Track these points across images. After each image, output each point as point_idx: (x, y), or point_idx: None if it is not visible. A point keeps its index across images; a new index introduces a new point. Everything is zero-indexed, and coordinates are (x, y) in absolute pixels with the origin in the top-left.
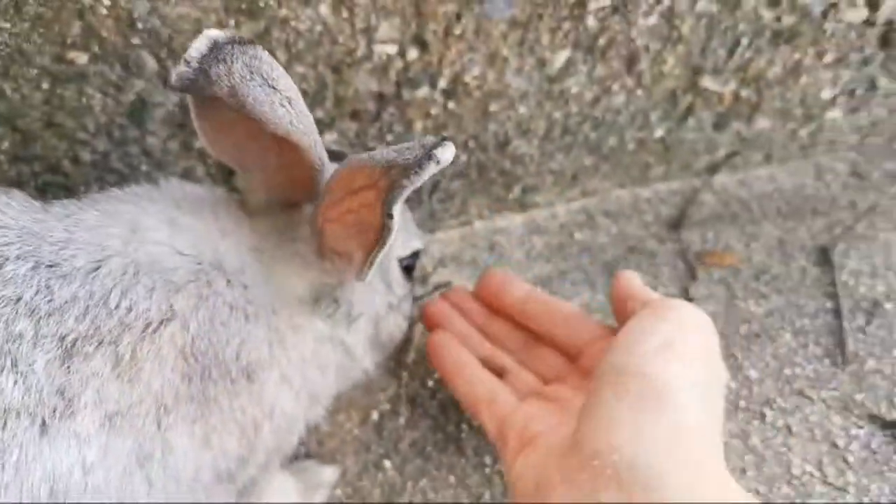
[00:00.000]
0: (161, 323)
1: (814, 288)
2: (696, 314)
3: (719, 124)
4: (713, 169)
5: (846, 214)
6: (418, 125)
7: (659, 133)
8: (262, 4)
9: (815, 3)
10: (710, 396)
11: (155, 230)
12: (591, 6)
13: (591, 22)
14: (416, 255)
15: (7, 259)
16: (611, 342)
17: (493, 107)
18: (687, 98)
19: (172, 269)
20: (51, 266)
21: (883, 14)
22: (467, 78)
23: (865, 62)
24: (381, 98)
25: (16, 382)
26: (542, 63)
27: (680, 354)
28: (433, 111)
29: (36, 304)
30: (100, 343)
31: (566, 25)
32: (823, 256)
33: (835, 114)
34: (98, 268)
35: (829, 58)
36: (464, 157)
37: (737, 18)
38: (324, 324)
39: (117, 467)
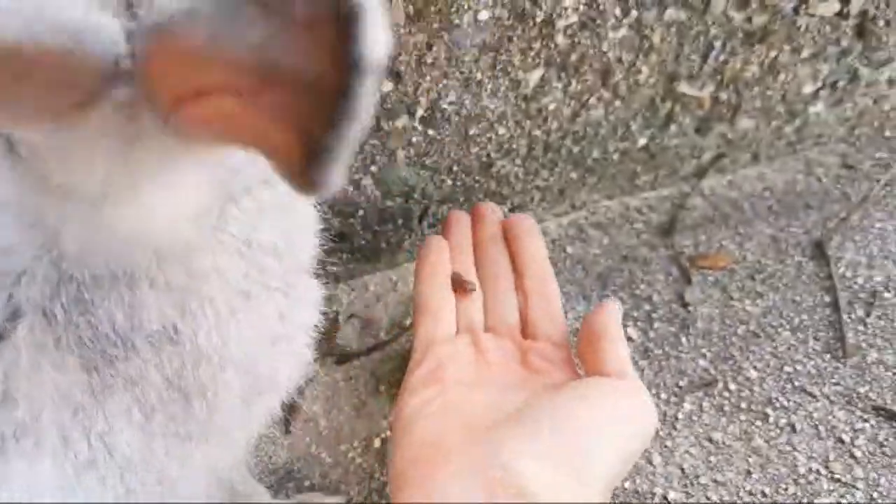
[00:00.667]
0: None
1: (810, 283)
2: (652, 417)
3: (701, 128)
4: (701, 173)
5: (839, 207)
6: (400, 154)
7: (642, 142)
8: None
9: (785, 0)
10: (609, 492)
11: None
12: (560, 24)
13: (560, 39)
14: None
15: None
16: (570, 380)
17: (472, 130)
18: (666, 105)
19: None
20: None
21: (856, 5)
22: (444, 104)
23: (844, 54)
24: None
25: None
26: (516, 84)
27: (619, 448)
28: (414, 139)
29: None
30: None
31: (536, 45)
32: (818, 250)
33: (818, 108)
34: None
35: (805, 53)
36: (449, 182)
37: (707, 23)
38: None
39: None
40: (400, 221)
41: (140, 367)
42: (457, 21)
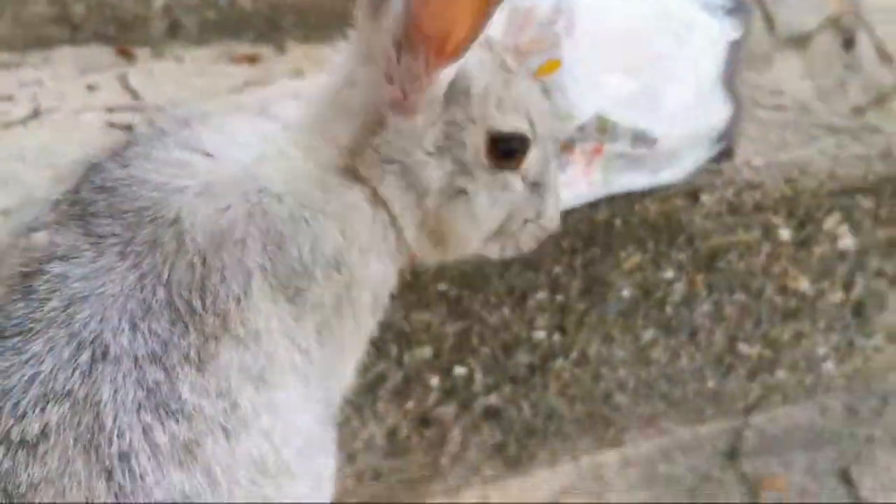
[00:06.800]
0: (246, 289)
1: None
2: None
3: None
4: (749, 410)
5: (849, 443)
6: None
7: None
8: None
9: (810, 291)
10: None
11: (191, 199)
12: (672, 298)
13: (669, 310)
14: (518, 140)
15: (108, 346)
16: None
17: (603, 370)
18: (729, 358)
19: (228, 229)
20: (146, 313)
21: (854, 295)
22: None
23: (845, 328)
24: None
25: (178, 421)
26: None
27: None
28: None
29: (152, 350)
30: (216, 339)
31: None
32: (846, 476)
33: (828, 365)
34: (170, 292)
35: (821, 326)
36: (564, 405)
37: (760, 303)
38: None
39: (290, 410)
40: None
41: (318, 293)
42: None
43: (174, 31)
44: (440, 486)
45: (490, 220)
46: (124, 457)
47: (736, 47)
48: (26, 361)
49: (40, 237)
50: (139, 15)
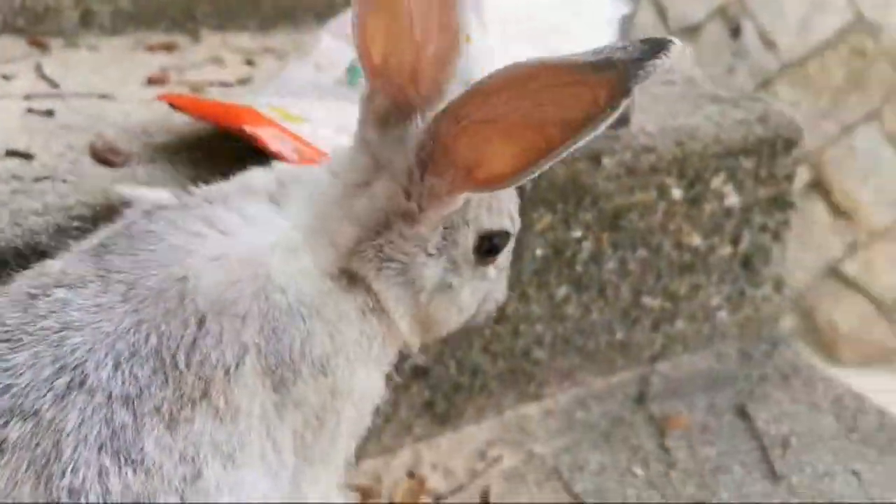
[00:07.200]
0: (239, 362)
1: (742, 432)
2: None
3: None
4: (654, 358)
5: (745, 383)
6: None
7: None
8: None
9: (702, 246)
10: None
11: (202, 263)
12: (581, 256)
13: (579, 268)
14: (503, 236)
15: (88, 375)
16: None
17: (521, 327)
18: (634, 311)
19: (233, 301)
20: (132, 356)
21: (741, 248)
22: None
23: (735, 279)
24: None
25: (135, 472)
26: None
27: None
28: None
29: (127, 392)
30: (192, 404)
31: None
32: (742, 412)
33: (722, 314)
34: (161, 342)
35: (714, 278)
36: (488, 362)
37: (660, 258)
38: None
39: (254, 495)
40: None
41: (303, 390)
42: None
43: (87, 20)
44: (374, 446)
45: (470, 308)
46: (74, 493)
47: (626, 22)
48: (4, 370)
49: (54, 264)
50: (50, 6)
